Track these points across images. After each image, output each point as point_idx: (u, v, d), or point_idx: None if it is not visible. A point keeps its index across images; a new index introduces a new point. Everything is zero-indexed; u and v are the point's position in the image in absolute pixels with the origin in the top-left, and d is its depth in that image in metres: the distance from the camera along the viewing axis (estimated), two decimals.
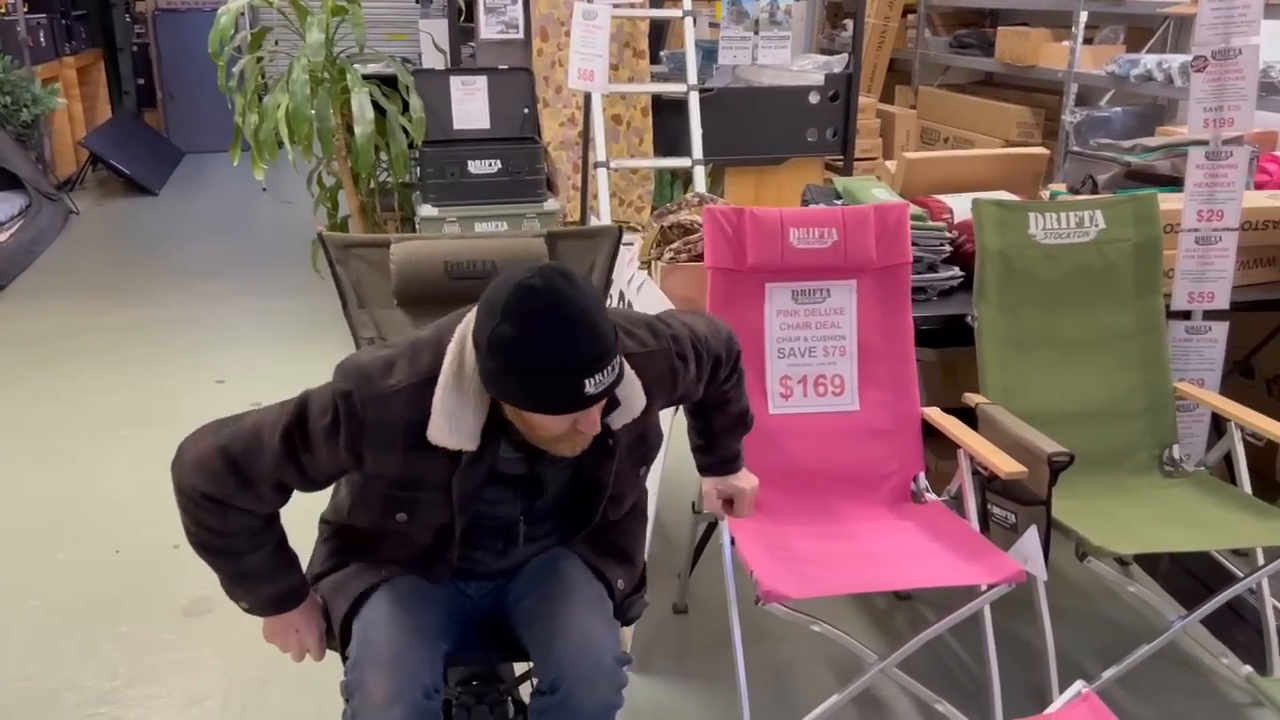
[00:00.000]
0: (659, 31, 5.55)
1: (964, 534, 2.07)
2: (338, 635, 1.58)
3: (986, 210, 2.41)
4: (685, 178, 4.86)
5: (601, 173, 3.97)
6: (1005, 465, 2.00)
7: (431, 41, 4.44)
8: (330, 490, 1.64)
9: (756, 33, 4.41)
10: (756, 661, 2.32)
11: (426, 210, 4.06)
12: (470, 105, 4.25)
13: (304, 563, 1.61)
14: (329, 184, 4.53)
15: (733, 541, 1.99)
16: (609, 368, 1.30)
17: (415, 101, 3.92)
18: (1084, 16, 5.06)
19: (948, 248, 2.54)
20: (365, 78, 3.96)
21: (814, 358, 2.28)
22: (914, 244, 2.38)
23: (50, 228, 6.10)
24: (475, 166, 4.07)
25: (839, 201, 2.76)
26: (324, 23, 3.88)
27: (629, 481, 1.58)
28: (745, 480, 1.86)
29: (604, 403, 1.37)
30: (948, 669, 2.33)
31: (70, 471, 3.27)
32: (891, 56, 6.86)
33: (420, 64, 5.50)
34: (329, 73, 3.94)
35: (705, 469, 1.86)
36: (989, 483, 2.14)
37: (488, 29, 4.20)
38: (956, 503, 2.20)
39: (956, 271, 2.54)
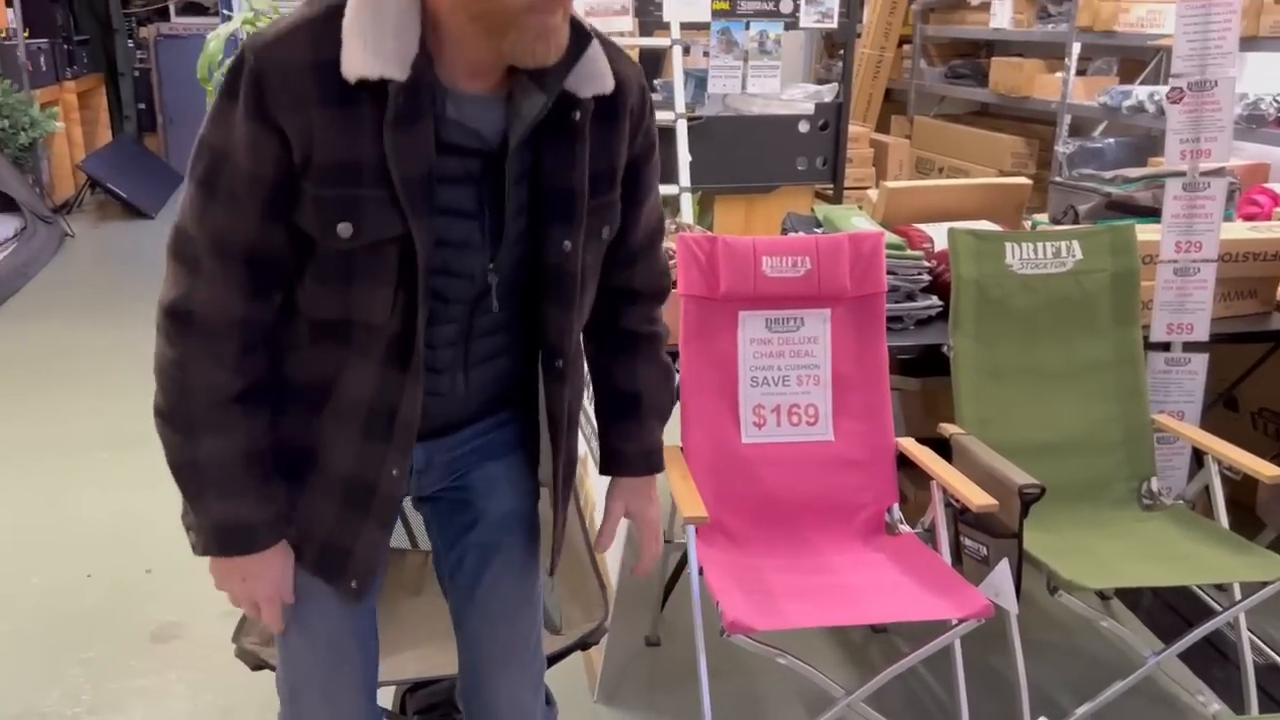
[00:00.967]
0: (655, 61, 5.57)
1: (935, 567, 2.04)
2: None
3: (962, 240, 2.40)
4: (672, 206, 4.86)
5: None
6: (976, 497, 1.97)
7: None
8: None
9: (746, 62, 4.44)
10: (726, 694, 2.28)
11: None
12: None
13: None
14: None
15: (701, 571, 1.97)
16: None
17: None
18: (1077, 48, 5.08)
19: (926, 277, 2.52)
20: None
21: (787, 387, 2.26)
22: (891, 273, 2.37)
23: (45, 250, 6.12)
24: None
25: (819, 230, 2.75)
26: None
27: (592, 250, 1.29)
28: (654, 505, 1.53)
29: None
30: (920, 702, 2.29)
31: (47, 493, 3.25)
32: (887, 86, 6.89)
33: None
34: None
35: (622, 464, 1.50)
36: (961, 515, 2.12)
37: None
38: (931, 535, 2.17)
39: (935, 301, 2.52)
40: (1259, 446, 2.20)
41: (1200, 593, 2.53)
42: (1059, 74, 5.23)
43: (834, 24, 4.51)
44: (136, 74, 9.07)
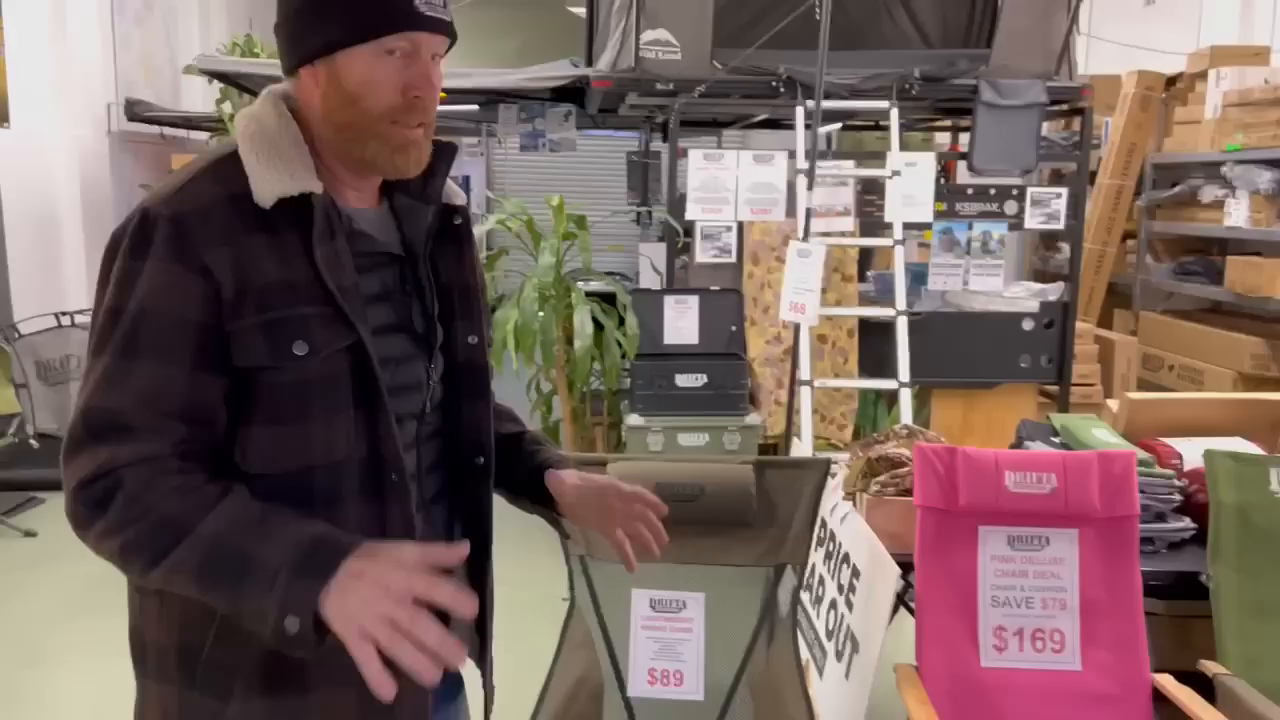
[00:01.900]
0: (866, 252, 5.68)
1: None
2: None
3: (1221, 462, 2.28)
4: (889, 398, 4.84)
5: (805, 390, 4.03)
6: None
7: (650, 264, 4.73)
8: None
9: (967, 259, 4.46)
10: None
11: (634, 419, 4.21)
12: (681, 322, 4.44)
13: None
14: (545, 390, 4.79)
15: None
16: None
17: (631, 319, 4.15)
18: None
19: (1178, 497, 2.40)
20: (587, 295, 4.25)
21: (1031, 609, 2.17)
22: (1140, 491, 2.26)
23: None
24: (682, 379, 4.21)
25: (1056, 440, 2.67)
26: (555, 247, 4.22)
27: (480, 333, 1.34)
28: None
29: (440, 61, 1.20)
30: None
31: None
32: (1110, 280, 6.71)
33: (636, 280, 5.83)
34: (555, 290, 4.25)
35: (546, 461, 1.45)
36: None
37: (703, 253, 4.43)
38: None
39: (1188, 523, 2.38)
40: None
41: None
42: None
43: (1060, 225, 4.49)
44: None
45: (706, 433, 4.21)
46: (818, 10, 3.38)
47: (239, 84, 5.31)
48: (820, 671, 2.48)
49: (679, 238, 4.42)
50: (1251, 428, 2.78)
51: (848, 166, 4.39)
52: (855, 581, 2.33)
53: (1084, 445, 2.50)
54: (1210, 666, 2.14)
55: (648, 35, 4.23)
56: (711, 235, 4.44)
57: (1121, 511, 2.17)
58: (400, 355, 1.24)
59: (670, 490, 2.12)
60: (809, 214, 3.09)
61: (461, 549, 1.08)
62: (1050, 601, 2.17)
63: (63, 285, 5.94)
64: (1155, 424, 2.76)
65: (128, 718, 1.25)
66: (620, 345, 4.26)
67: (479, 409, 1.33)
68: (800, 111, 4.27)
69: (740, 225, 4.44)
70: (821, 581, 2.58)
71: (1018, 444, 2.74)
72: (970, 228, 4.43)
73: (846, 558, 2.42)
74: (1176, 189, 6.00)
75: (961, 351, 4.58)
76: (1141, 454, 2.41)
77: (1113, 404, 2.90)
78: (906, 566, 2.17)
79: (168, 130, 7.16)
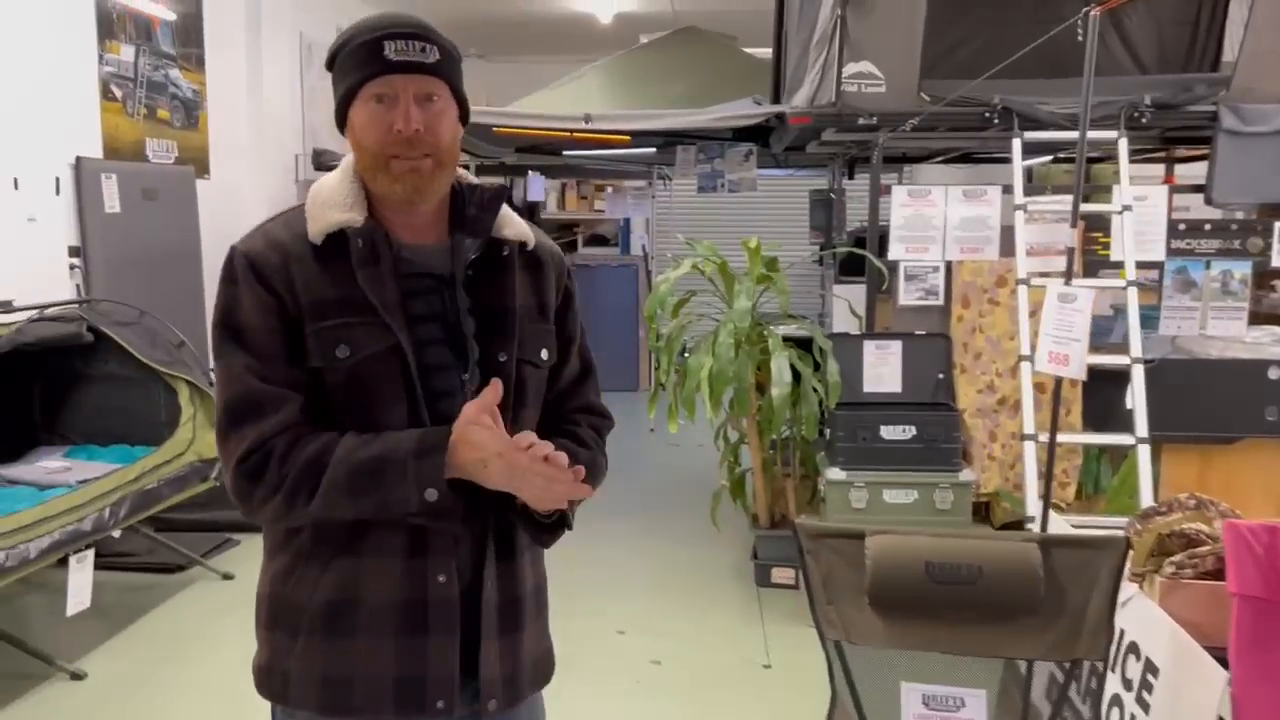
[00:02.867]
0: None
1: None
2: None
3: None
4: (1111, 454, 4.43)
5: (1029, 446, 3.69)
6: None
7: (849, 307, 4.48)
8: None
9: (1204, 301, 4.04)
10: None
11: (835, 473, 3.96)
12: (882, 369, 4.17)
13: None
14: (733, 439, 4.58)
15: None
16: (417, 44, 1.39)
17: (833, 366, 3.91)
18: None
19: None
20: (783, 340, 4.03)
21: None
22: None
23: None
24: (888, 431, 3.94)
25: None
26: (750, 290, 4.03)
27: (531, 371, 1.52)
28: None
29: (419, 99, 1.40)
30: None
31: None
32: None
33: (820, 323, 5.58)
34: (749, 336, 4.06)
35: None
36: None
37: (906, 295, 4.16)
38: None
39: None
40: None
41: None
42: None
43: None
44: None
45: (915, 489, 3.91)
46: (1079, 32, 3.09)
47: None
48: None
49: (883, 279, 4.16)
50: None
51: (1068, 201, 4.04)
52: (1151, 678, 2.02)
53: None
54: None
55: (850, 68, 4.02)
56: (916, 276, 4.17)
57: None
58: (439, 364, 1.45)
59: (944, 572, 1.88)
60: (1071, 253, 2.80)
61: (496, 388, 1.38)
62: None
63: None
64: None
65: None
66: (818, 393, 4.03)
67: (508, 419, 1.44)
68: (1017, 144, 3.97)
69: (948, 265, 4.15)
70: (1095, 673, 2.26)
71: None
72: (1208, 266, 4.02)
73: (1134, 648, 2.10)
74: None
75: (1198, 403, 4.13)
76: None
77: None
78: (1222, 661, 1.86)
79: None
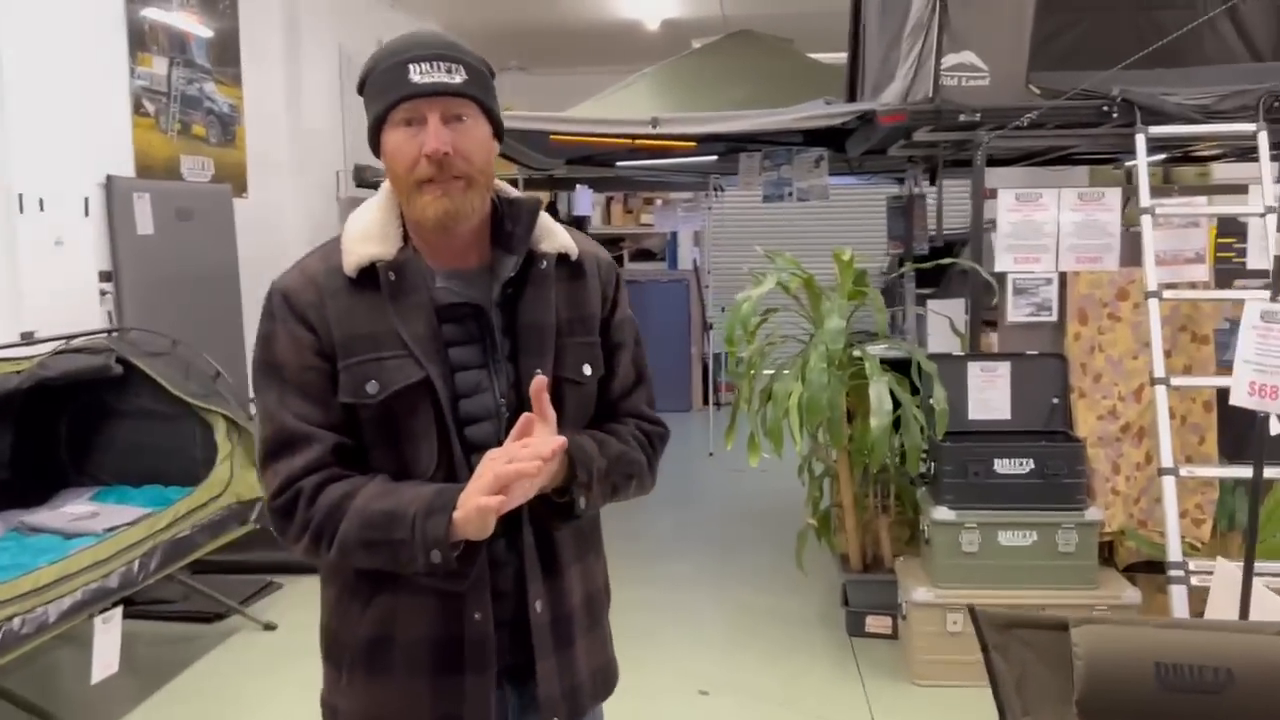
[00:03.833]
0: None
1: None
2: None
3: None
4: (1248, 487, 3.96)
5: (1168, 482, 3.25)
6: None
7: (950, 325, 4.05)
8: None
9: None
10: None
11: (942, 513, 3.52)
12: (989, 393, 3.74)
13: None
14: (817, 472, 4.17)
15: None
16: (443, 65, 1.37)
17: (939, 392, 3.48)
18: None
19: None
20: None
21: None
22: None
23: None
24: (1003, 465, 3.50)
25: None
26: (842, 308, 3.62)
27: (572, 387, 1.48)
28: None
29: (447, 120, 1.38)
30: None
31: None
32: None
33: (911, 341, 5.15)
34: (840, 359, 3.64)
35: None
36: None
37: (1015, 311, 3.74)
38: None
39: None
40: None
41: None
42: None
43: None
44: None
45: (1034, 530, 3.47)
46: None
47: None
48: None
49: (991, 293, 3.73)
50: None
51: (1200, 203, 3.61)
52: None
53: None
54: None
55: (950, 60, 3.61)
56: (1026, 289, 3.74)
57: None
58: (474, 388, 1.44)
59: (1180, 677, 1.47)
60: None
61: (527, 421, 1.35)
62: None
63: None
64: None
65: None
66: (918, 421, 3.60)
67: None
68: (1141, 139, 3.54)
69: (1063, 276, 3.72)
70: None
71: None
72: None
73: None
74: None
75: None
76: None
77: None
78: None
79: None
